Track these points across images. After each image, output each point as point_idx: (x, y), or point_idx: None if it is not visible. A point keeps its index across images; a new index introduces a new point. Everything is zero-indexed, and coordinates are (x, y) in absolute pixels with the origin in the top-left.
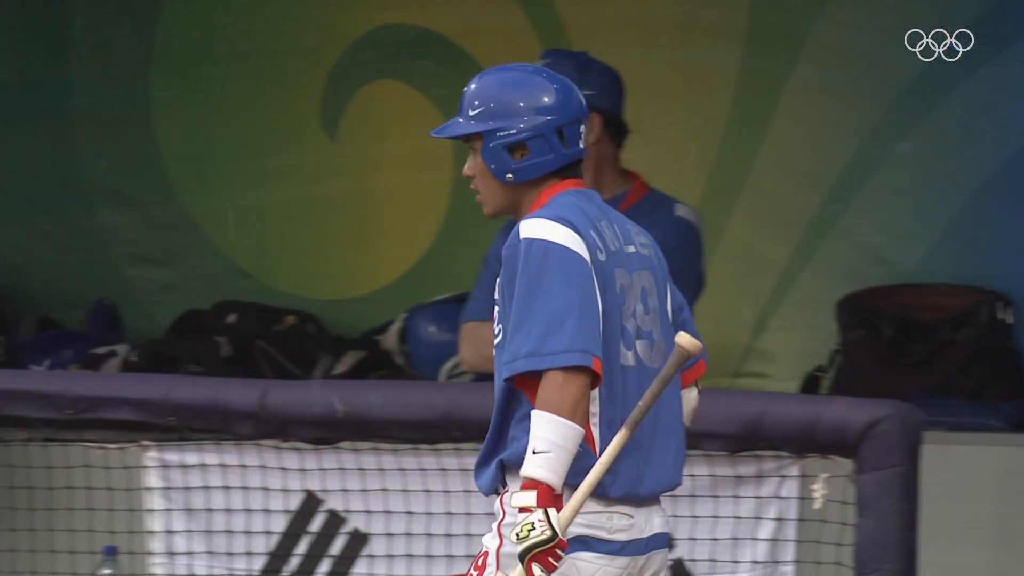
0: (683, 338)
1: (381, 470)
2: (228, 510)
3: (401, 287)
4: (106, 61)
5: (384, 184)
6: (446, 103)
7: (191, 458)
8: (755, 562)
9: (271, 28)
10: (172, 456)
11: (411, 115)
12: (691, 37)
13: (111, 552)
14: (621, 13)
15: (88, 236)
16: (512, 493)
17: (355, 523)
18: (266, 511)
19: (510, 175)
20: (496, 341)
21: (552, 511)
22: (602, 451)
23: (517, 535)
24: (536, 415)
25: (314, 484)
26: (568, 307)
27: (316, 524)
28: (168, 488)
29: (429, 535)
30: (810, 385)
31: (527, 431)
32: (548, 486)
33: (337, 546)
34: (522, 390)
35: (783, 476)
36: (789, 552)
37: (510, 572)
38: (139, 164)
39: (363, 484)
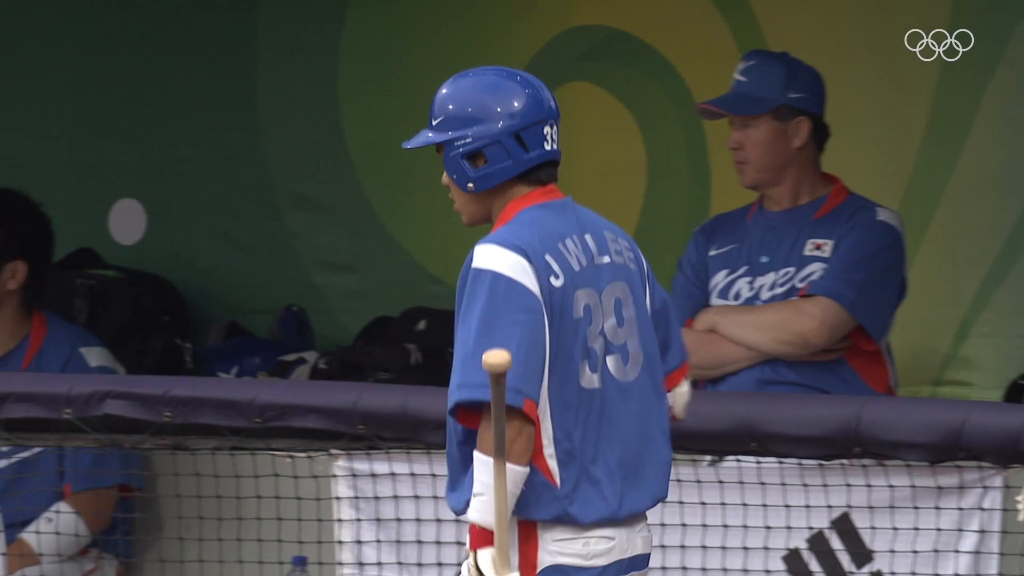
0: (490, 356)
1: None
2: (418, 520)
3: None
4: (293, 66)
5: (576, 188)
6: (639, 106)
7: (381, 467)
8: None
9: (462, 32)
10: (361, 465)
11: (604, 118)
12: (890, 36)
13: (300, 562)
14: (820, 15)
15: (276, 241)
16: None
17: None
18: (458, 521)
19: (471, 184)
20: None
21: (482, 553)
22: (563, 483)
23: None
24: (474, 455)
25: None
26: (507, 344)
27: None
28: (357, 497)
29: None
30: (1013, 393)
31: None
32: (480, 528)
33: None
34: (464, 424)
35: (985, 487)
36: (992, 565)
37: None
38: (328, 168)
39: None
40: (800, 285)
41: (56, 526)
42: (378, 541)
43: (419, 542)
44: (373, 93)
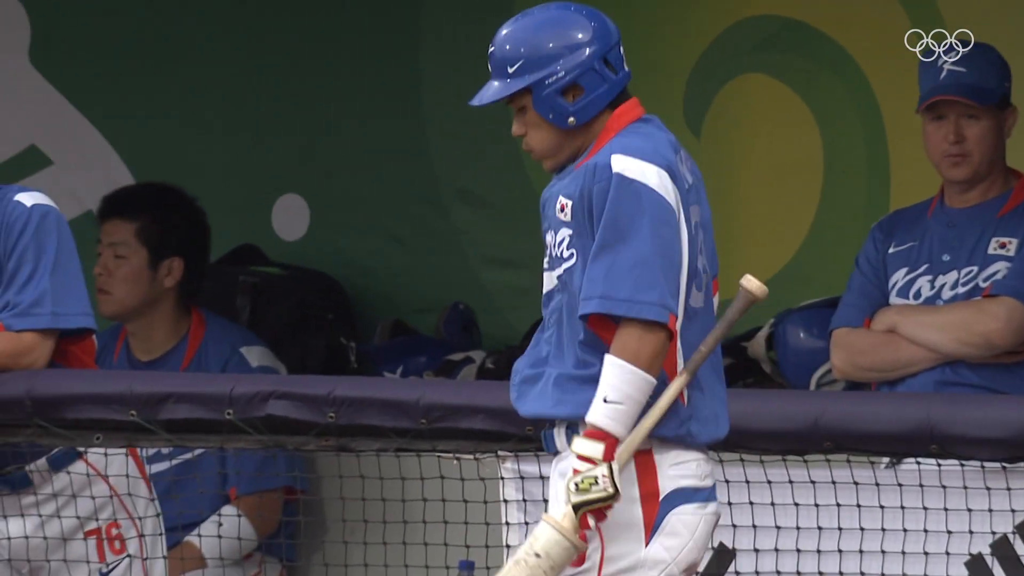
0: (751, 282)
1: (747, 482)
2: None
3: (769, 291)
4: (457, 58)
5: (751, 183)
6: (816, 98)
7: (549, 470)
8: None
9: (630, 22)
10: (530, 467)
11: (779, 110)
12: None
13: (467, 567)
14: (1001, 4)
15: (442, 238)
16: (576, 438)
17: (721, 538)
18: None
19: (572, 119)
20: (567, 266)
21: (615, 466)
22: (689, 399)
23: (576, 485)
24: (612, 362)
25: None
26: (655, 257)
27: None
28: (525, 500)
29: (798, 551)
30: None
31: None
32: (615, 439)
33: (703, 562)
34: (591, 327)
35: None
36: None
37: (560, 518)
38: (494, 162)
39: (729, 497)
40: (984, 285)
41: (222, 529)
42: None
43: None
44: None
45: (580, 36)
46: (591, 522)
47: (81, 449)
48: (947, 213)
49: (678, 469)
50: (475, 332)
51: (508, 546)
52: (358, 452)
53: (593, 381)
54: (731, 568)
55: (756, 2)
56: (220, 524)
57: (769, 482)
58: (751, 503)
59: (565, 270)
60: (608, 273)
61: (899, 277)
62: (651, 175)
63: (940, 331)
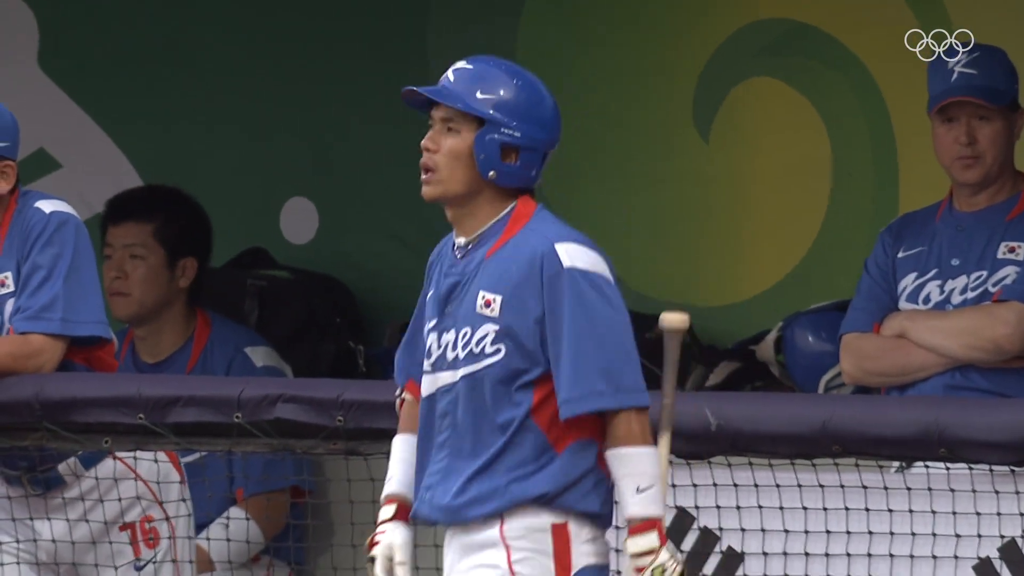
0: (668, 318)
1: (756, 486)
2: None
3: (777, 294)
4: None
5: (760, 186)
6: (824, 102)
7: None
8: None
9: (639, 25)
10: None
11: (788, 114)
12: None
13: None
14: (1011, 9)
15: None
16: (627, 539)
17: (729, 541)
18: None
19: (493, 173)
20: (489, 362)
21: (670, 543)
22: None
23: None
24: (635, 452)
25: (686, 500)
26: (631, 341)
27: (688, 542)
28: None
29: (807, 555)
30: None
31: (593, 474)
32: (660, 519)
33: (711, 565)
34: (568, 426)
35: None
36: None
37: None
38: None
39: (737, 501)
40: (993, 289)
41: (229, 532)
42: None
43: None
44: (551, 88)
45: (549, 121)
46: None
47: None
48: (956, 217)
49: (590, 546)
50: None
51: None
52: (367, 455)
53: (545, 465)
54: (739, 571)
55: (764, 6)
56: (227, 526)
57: (778, 486)
58: (760, 507)
59: (485, 367)
60: (605, 368)
61: (908, 282)
62: (602, 264)
63: (949, 336)
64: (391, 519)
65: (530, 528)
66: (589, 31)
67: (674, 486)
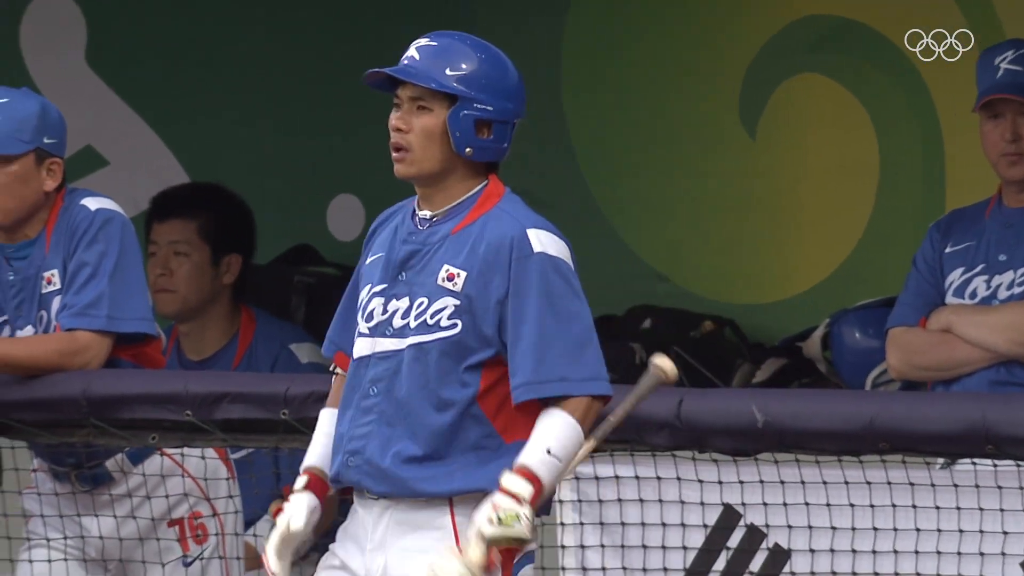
0: (662, 362)
1: (803, 483)
2: (643, 524)
3: (824, 291)
4: (513, 57)
5: (806, 182)
6: (872, 98)
7: (604, 470)
8: None
9: (686, 20)
10: (584, 468)
11: (835, 111)
12: None
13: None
14: None
15: None
16: (507, 473)
17: (776, 538)
18: (682, 525)
19: (470, 150)
20: (442, 336)
21: (533, 516)
22: None
23: (499, 518)
24: (566, 421)
25: (733, 497)
26: (594, 330)
27: (735, 539)
28: (580, 501)
29: (854, 551)
30: None
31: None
32: (541, 489)
33: (757, 562)
34: (516, 417)
35: None
36: None
37: (470, 552)
38: (550, 162)
39: (784, 498)
40: None
41: None
42: (602, 546)
43: (644, 547)
44: (597, 85)
45: (516, 92)
46: (496, 559)
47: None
48: (1004, 213)
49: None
50: None
51: (563, 546)
52: None
53: (496, 457)
54: (786, 568)
55: (812, 1)
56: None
57: (824, 483)
58: (806, 504)
59: (437, 339)
60: (569, 355)
61: (955, 277)
62: (566, 251)
63: (994, 331)
64: (302, 489)
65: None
66: (636, 26)
67: (720, 483)
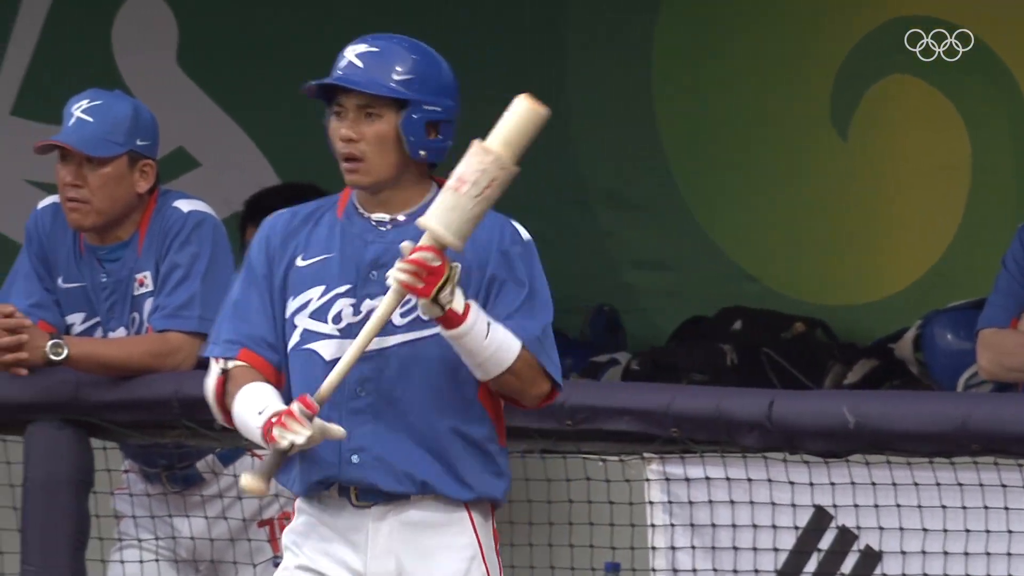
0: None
1: (894, 484)
2: (734, 526)
3: (916, 292)
4: (605, 59)
5: (898, 184)
6: (963, 100)
7: (695, 471)
8: None
9: (777, 22)
10: (675, 469)
11: (927, 112)
12: None
13: (613, 568)
14: None
15: (587, 239)
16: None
17: (867, 540)
18: (773, 527)
19: (424, 152)
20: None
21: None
22: None
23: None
24: (510, 345)
25: (824, 499)
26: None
27: (826, 541)
28: (671, 502)
29: (946, 553)
30: None
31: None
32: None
33: (848, 564)
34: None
35: None
36: None
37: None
38: (641, 164)
39: (875, 499)
40: None
41: None
42: (692, 547)
43: (735, 548)
44: (688, 86)
45: (454, 88)
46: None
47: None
48: None
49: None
50: (620, 334)
51: (654, 548)
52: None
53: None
54: (877, 570)
55: (903, 3)
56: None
57: (916, 484)
58: (898, 505)
59: (432, 334)
60: (543, 334)
61: None
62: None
63: None
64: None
65: (486, 523)
66: (727, 28)
67: (811, 484)
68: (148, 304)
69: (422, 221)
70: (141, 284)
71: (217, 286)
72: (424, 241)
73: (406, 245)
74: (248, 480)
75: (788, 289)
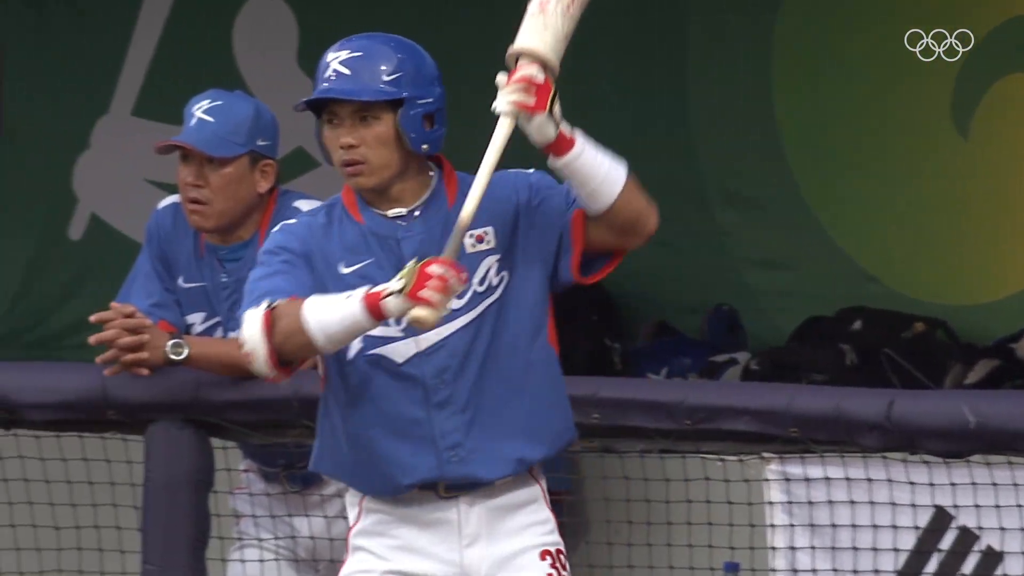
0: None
1: (1016, 485)
2: (854, 526)
3: None
4: (725, 57)
5: (1020, 183)
6: None
7: (814, 471)
8: None
9: (897, 19)
10: (794, 469)
11: None
12: None
13: (733, 568)
14: None
15: (706, 239)
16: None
17: (989, 541)
18: (894, 527)
19: (426, 145)
20: (497, 295)
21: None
22: None
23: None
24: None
25: (944, 499)
26: None
27: (947, 541)
28: (791, 502)
29: None
30: None
31: None
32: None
33: (969, 565)
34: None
35: None
36: None
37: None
38: (761, 162)
39: (997, 500)
40: None
41: None
42: (812, 547)
43: (855, 549)
44: (809, 85)
45: (438, 74)
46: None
47: None
48: None
49: None
50: (739, 333)
51: (773, 548)
52: (622, 453)
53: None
54: (999, 571)
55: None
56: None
57: None
58: (1019, 506)
59: (496, 300)
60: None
61: None
62: None
63: None
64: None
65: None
66: (847, 25)
67: (931, 485)
68: None
69: (516, 48)
70: None
71: None
72: (522, 64)
73: (501, 77)
74: (416, 312)
75: (908, 289)
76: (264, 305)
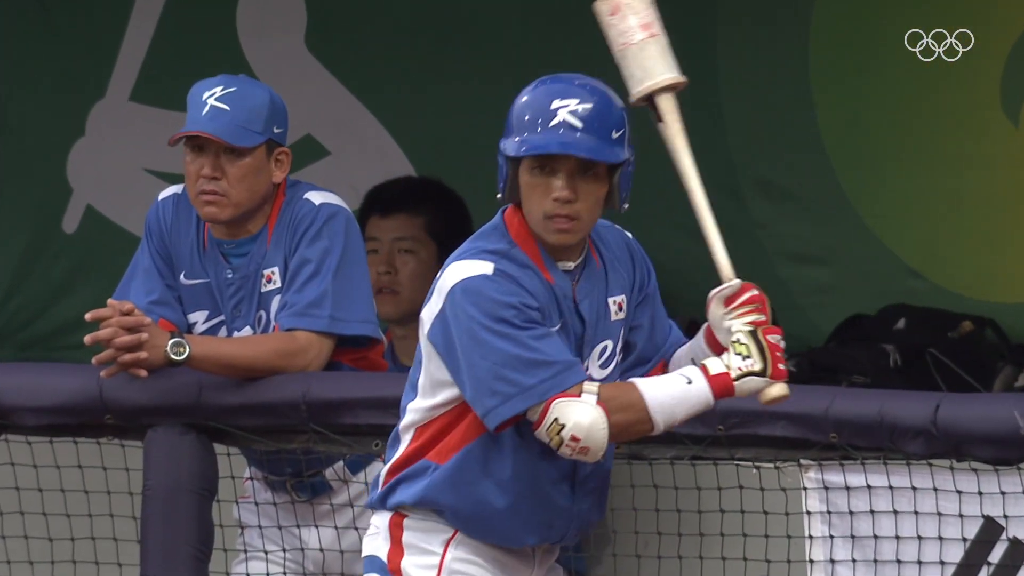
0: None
1: None
2: (897, 537)
3: None
4: (759, 44)
5: None
6: None
7: (855, 479)
8: None
9: (936, 9)
10: (834, 477)
11: None
12: None
13: None
14: None
15: (739, 231)
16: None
17: (1017, 531)
18: (939, 539)
19: (627, 205)
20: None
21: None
22: None
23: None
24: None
25: (994, 509)
26: None
27: (996, 554)
28: (830, 512)
29: None
30: None
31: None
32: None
33: (998, 552)
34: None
35: None
36: None
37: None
38: (797, 152)
39: None
40: None
41: None
42: (853, 560)
43: (898, 562)
44: (847, 74)
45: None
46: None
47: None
48: None
49: None
50: None
51: (811, 560)
52: (651, 460)
53: None
54: None
55: None
56: None
57: None
58: None
59: (614, 368)
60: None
61: None
62: None
63: None
64: None
65: None
66: (887, 7)
67: (980, 494)
68: (275, 302)
69: (665, 81)
70: (269, 280)
71: (349, 283)
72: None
73: (717, 294)
74: (777, 390)
75: (955, 286)
76: (591, 393)
